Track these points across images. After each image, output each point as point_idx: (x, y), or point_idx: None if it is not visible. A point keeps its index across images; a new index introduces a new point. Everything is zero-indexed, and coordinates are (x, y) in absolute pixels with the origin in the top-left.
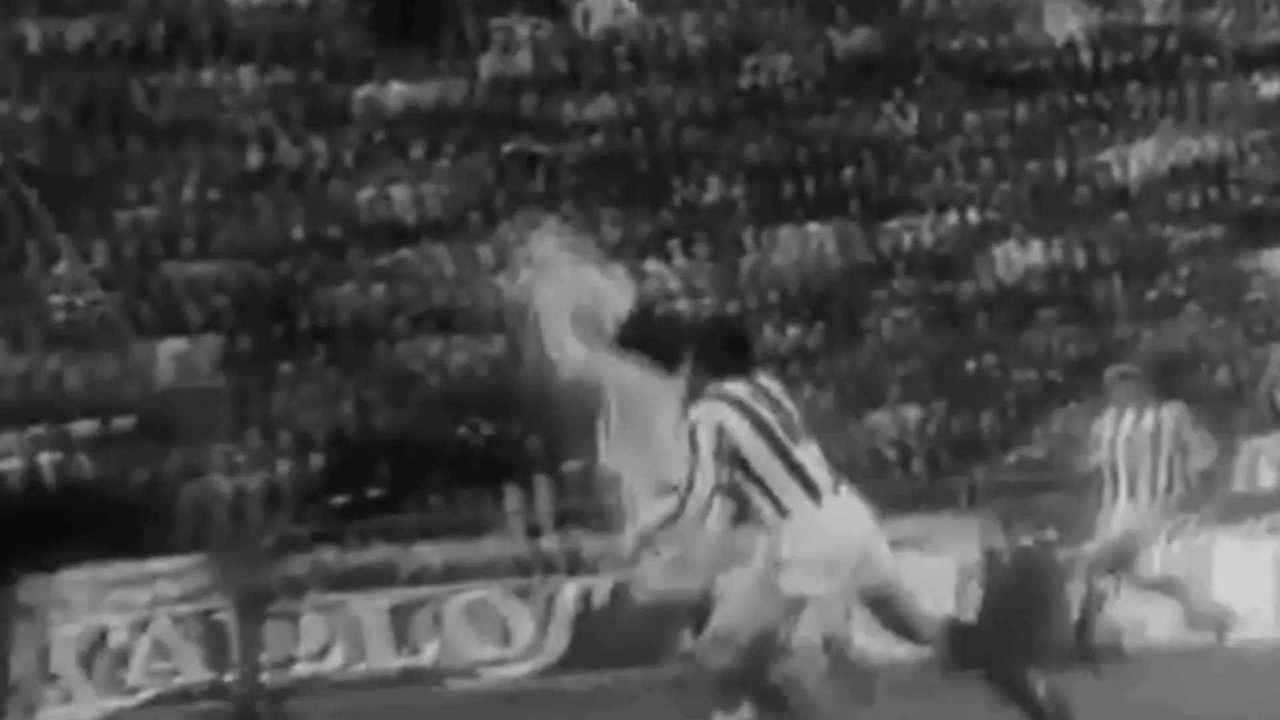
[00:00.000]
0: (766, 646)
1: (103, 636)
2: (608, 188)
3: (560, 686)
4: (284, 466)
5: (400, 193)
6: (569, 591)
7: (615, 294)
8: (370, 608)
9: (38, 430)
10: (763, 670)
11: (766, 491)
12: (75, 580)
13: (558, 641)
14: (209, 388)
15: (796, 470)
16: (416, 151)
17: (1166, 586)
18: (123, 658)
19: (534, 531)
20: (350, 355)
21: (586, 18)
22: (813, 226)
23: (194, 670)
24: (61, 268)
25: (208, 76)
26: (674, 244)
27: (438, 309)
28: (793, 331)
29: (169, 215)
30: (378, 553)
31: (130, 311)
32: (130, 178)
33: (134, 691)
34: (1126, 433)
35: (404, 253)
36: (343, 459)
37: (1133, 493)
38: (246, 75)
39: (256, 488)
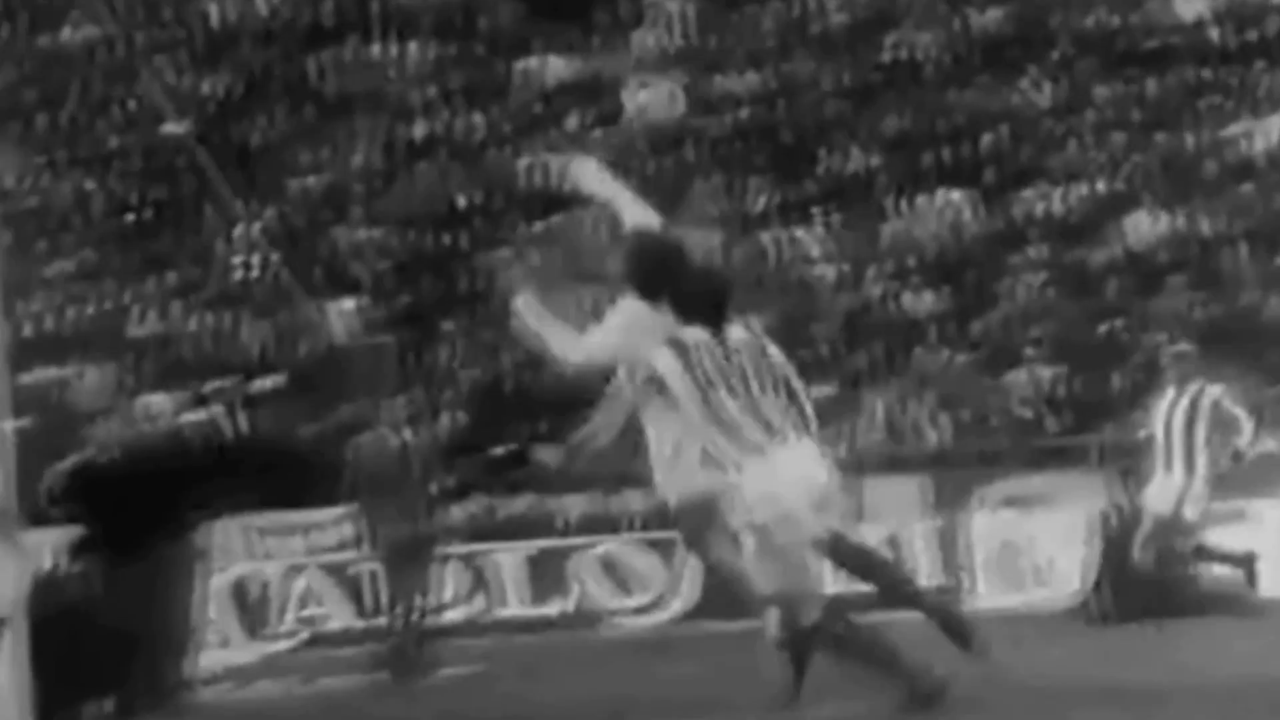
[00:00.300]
0: (806, 600)
1: (257, 583)
2: (754, 158)
3: (693, 633)
4: (444, 420)
5: (556, 162)
6: None
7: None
8: (511, 557)
9: (215, 385)
10: (833, 624)
11: (714, 443)
12: (231, 528)
13: (691, 590)
14: (375, 345)
15: (726, 423)
16: (571, 123)
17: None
18: (277, 604)
19: None
20: (507, 315)
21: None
22: (950, 195)
23: (345, 615)
24: (237, 231)
25: (376, 51)
26: (817, 211)
27: (588, 273)
28: (929, 295)
29: (338, 182)
30: (528, 504)
31: (301, 273)
32: (302, 146)
33: (287, 636)
34: (1174, 409)
35: (558, 219)
36: (499, 413)
37: (1172, 467)
38: (412, 49)
39: (417, 440)
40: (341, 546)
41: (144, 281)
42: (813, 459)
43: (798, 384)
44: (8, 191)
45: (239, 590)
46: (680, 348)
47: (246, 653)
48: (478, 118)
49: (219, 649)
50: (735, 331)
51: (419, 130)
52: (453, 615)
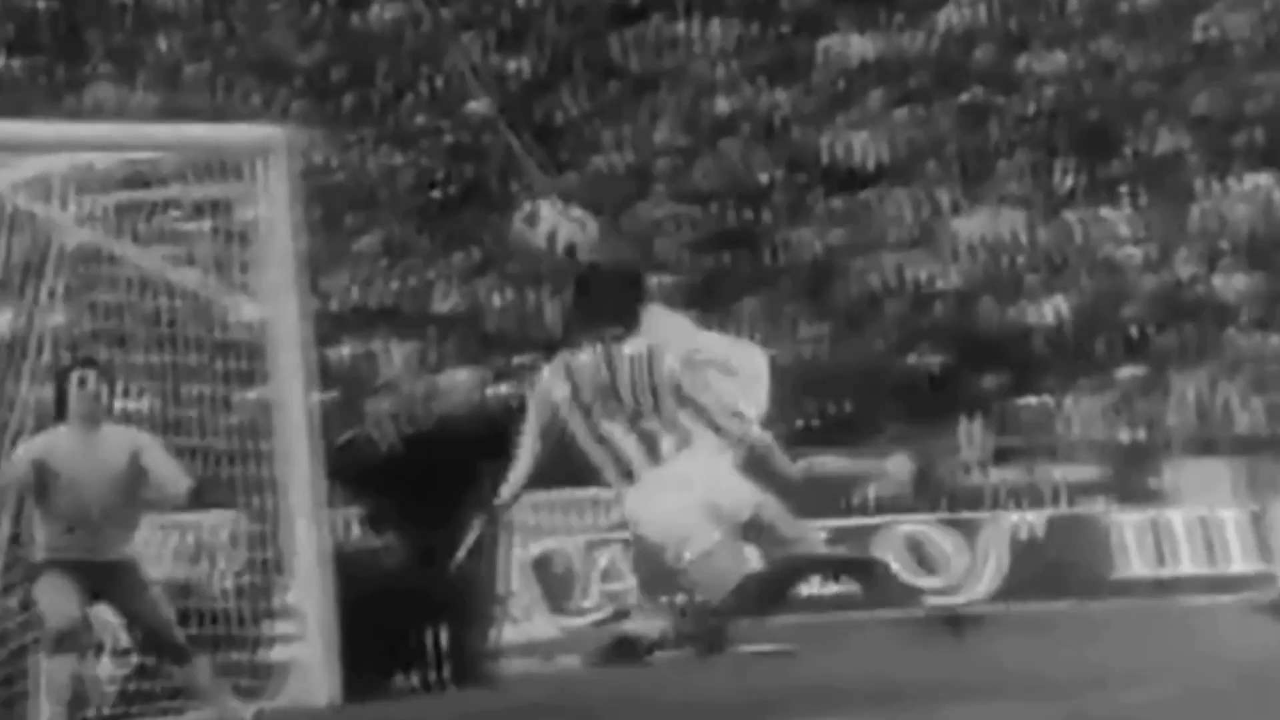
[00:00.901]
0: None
1: (561, 558)
2: (1060, 137)
3: (996, 614)
4: None
5: (859, 139)
6: (1005, 523)
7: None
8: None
9: (518, 360)
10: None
11: (598, 465)
12: (533, 503)
13: (994, 571)
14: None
15: (606, 446)
16: (875, 100)
17: None
18: (580, 579)
19: (975, 465)
20: (811, 291)
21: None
22: (1260, 177)
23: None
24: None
25: (680, 28)
26: (1125, 191)
27: (893, 248)
28: (1240, 277)
29: (641, 159)
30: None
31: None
32: (606, 123)
33: (586, 612)
34: None
35: (863, 195)
36: (799, 389)
37: None
38: (716, 27)
39: None
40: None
41: (449, 257)
42: (701, 473)
43: (700, 394)
44: (317, 167)
45: (542, 565)
46: (567, 370)
47: (547, 628)
48: (781, 95)
49: (522, 623)
50: (628, 347)
51: (722, 107)
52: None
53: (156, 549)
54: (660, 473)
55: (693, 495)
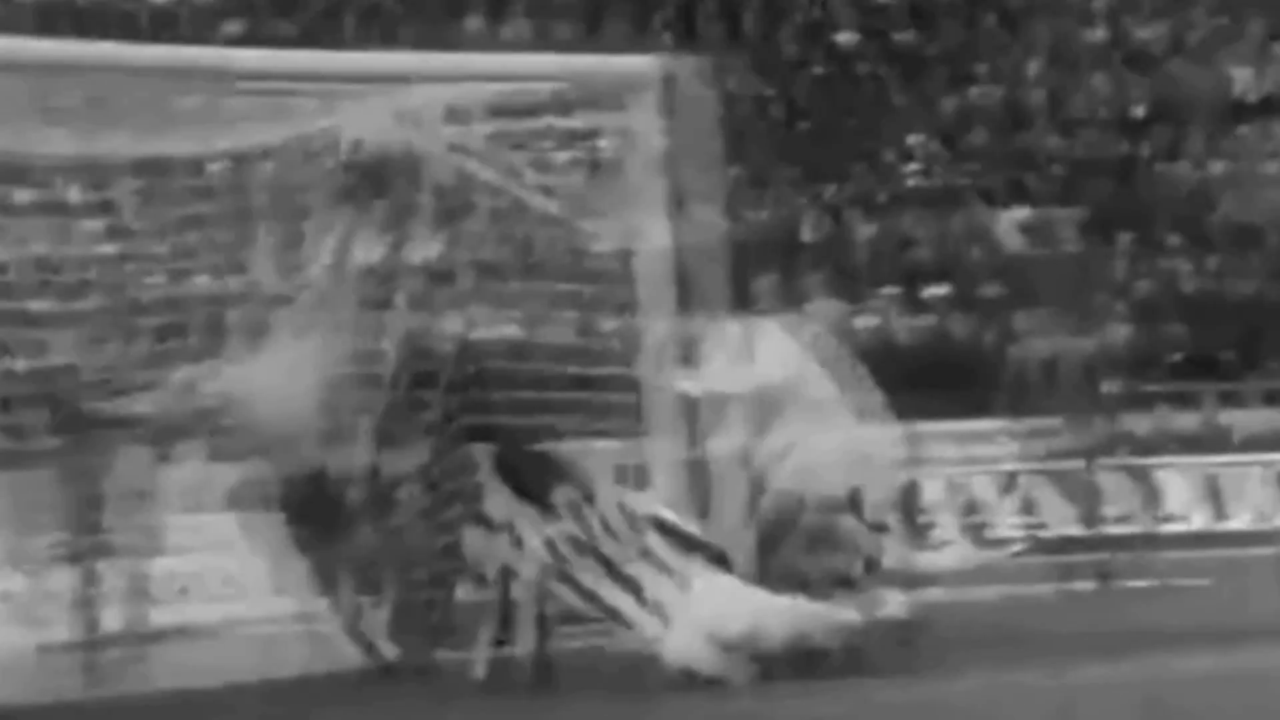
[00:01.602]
0: None
1: (973, 489)
2: None
3: None
4: (1123, 330)
5: (1241, 73)
6: None
7: None
8: (1182, 471)
9: (890, 290)
10: None
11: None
12: (935, 433)
13: None
14: (1054, 255)
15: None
16: (1256, 31)
17: None
18: (993, 510)
19: None
20: (1188, 224)
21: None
22: None
23: (1062, 523)
24: (911, 139)
25: None
26: None
27: (1273, 182)
28: None
29: (1014, 90)
30: (1203, 417)
31: (975, 181)
32: (979, 55)
33: (1004, 544)
34: None
35: (1242, 130)
36: (1183, 324)
37: None
38: None
39: (1100, 350)
40: (1051, 455)
41: (818, 188)
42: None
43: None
44: (686, 98)
45: (952, 495)
46: (545, 542)
47: (963, 559)
48: (1160, 27)
49: (935, 553)
50: (600, 503)
51: (1098, 37)
52: (1165, 527)
53: None
54: (681, 614)
55: (703, 629)
